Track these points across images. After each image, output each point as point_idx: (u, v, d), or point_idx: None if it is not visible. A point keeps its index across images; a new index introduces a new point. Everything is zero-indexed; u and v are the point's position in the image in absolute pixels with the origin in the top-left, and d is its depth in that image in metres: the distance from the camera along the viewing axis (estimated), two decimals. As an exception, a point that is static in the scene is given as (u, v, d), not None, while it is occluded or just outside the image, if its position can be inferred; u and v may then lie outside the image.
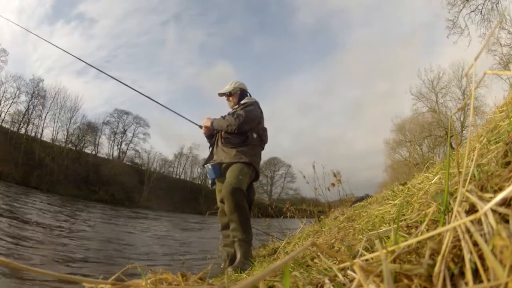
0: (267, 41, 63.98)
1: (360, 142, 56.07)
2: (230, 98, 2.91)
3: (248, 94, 2.96)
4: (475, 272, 0.37)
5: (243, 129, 2.67)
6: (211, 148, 2.92)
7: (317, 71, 66.22)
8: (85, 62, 3.60)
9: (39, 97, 29.48)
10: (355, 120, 58.03)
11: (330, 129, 61.09)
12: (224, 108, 3.03)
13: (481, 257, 0.37)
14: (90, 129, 33.43)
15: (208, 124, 2.82)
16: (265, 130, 2.90)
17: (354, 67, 60.93)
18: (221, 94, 2.96)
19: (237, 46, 62.81)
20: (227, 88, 2.93)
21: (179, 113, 3.25)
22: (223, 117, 2.78)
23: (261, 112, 2.87)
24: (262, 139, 2.85)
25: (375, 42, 59.42)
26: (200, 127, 2.94)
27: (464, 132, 18.69)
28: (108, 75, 3.43)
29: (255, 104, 2.83)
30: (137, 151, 36.62)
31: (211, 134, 2.91)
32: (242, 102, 2.84)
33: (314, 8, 63.59)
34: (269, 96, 61.53)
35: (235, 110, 2.80)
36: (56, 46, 3.49)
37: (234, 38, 62.39)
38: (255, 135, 2.75)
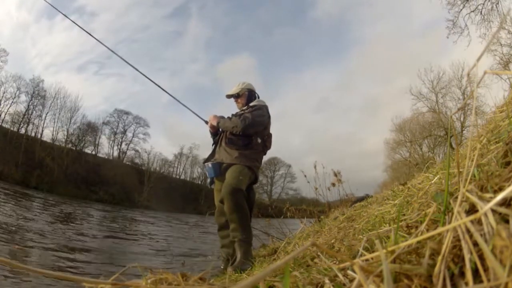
0: (282, 35, 62.16)
1: (372, 140, 54.57)
2: (238, 100, 2.88)
3: (256, 95, 2.93)
4: (475, 272, 0.37)
5: (247, 132, 2.64)
6: (214, 146, 2.90)
7: (332, 66, 64.60)
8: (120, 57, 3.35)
9: (39, 97, 29.54)
10: (369, 118, 55.85)
11: (342, 127, 59.72)
12: (231, 106, 2.99)
13: (481, 257, 0.37)
14: (90, 129, 33.49)
15: (214, 122, 2.80)
16: (270, 136, 2.87)
17: (372, 62, 58.61)
18: (229, 96, 2.94)
19: (245, 41, 61.64)
20: (234, 89, 2.90)
21: (188, 106, 3.18)
22: (230, 118, 2.76)
23: (269, 117, 2.83)
24: (266, 144, 2.82)
25: (395, 37, 56.65)
26: (206, 122, 2.92)
27: (464, 132, 18.70)
28: (137, 69, 3.29)
29: (264, 108, 2.79)
30: (137, 151, 36.70)
31: (216, 132, 2.89)
32: (251, 104, 2.81)
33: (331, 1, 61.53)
34: (281, 92, 60.42)
35: (243, 111, 2.78)
36: (93, 37, 3.44)
37: (243, 34, 60.95)
38: (259, 140, 2.73)
